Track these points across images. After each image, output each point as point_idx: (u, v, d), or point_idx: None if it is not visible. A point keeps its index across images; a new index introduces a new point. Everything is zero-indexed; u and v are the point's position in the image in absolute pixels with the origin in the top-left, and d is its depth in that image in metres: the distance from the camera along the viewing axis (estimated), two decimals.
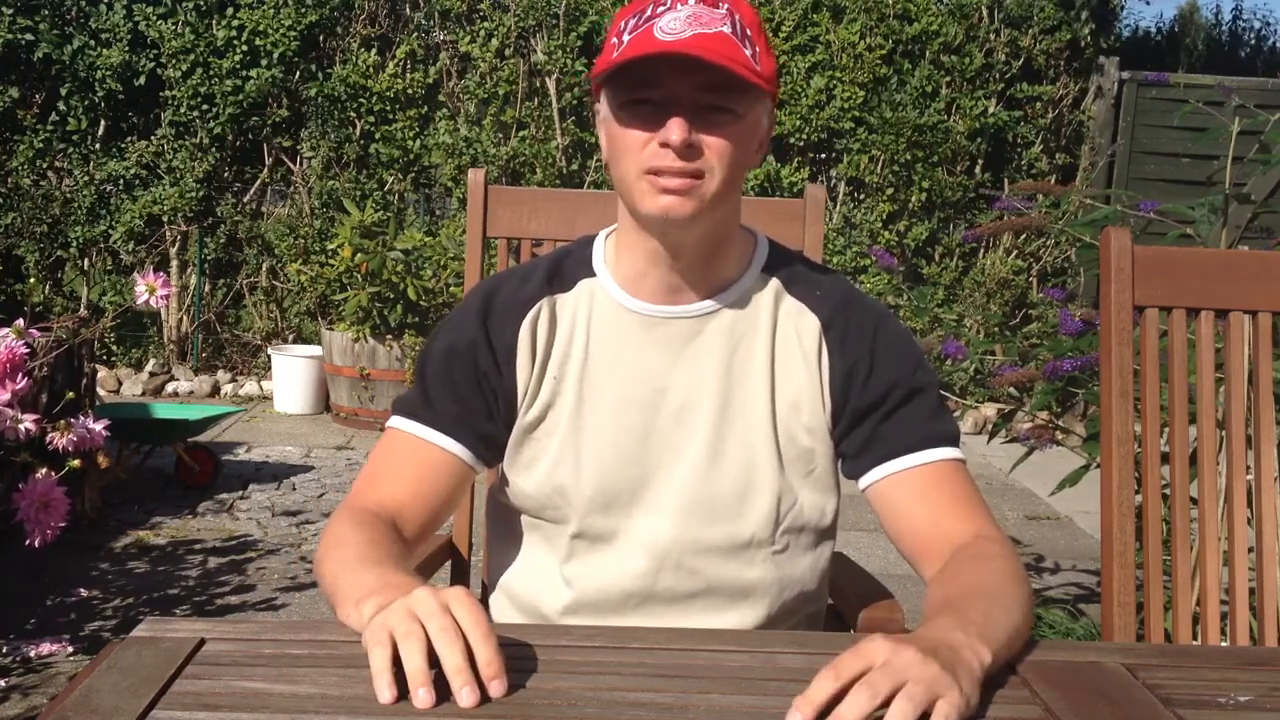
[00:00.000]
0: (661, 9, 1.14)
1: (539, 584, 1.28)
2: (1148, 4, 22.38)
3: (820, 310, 1.26)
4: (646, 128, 1.13)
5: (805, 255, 1.48)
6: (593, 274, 1.28)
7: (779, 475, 1.23)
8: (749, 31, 1.15)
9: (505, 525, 1.34)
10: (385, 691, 0.84)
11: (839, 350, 1.24)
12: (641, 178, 1.15)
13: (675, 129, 1.11)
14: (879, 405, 1.23)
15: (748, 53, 1.13)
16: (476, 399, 1.25)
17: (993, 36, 6.86)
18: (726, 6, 1.15)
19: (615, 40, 1.17)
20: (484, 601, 1.67)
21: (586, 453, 1.23)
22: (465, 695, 0.84)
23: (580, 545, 1.25)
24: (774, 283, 1.27)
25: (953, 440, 1.24)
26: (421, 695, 0.83)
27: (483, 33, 6.64)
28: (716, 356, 1.24)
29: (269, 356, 6.47)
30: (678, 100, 1.12)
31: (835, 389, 1.24)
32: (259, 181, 6.74)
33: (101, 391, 6.18)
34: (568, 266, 1.29)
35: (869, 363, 1.24)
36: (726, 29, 1.13)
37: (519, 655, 0.93)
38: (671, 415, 1.23)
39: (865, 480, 1.24)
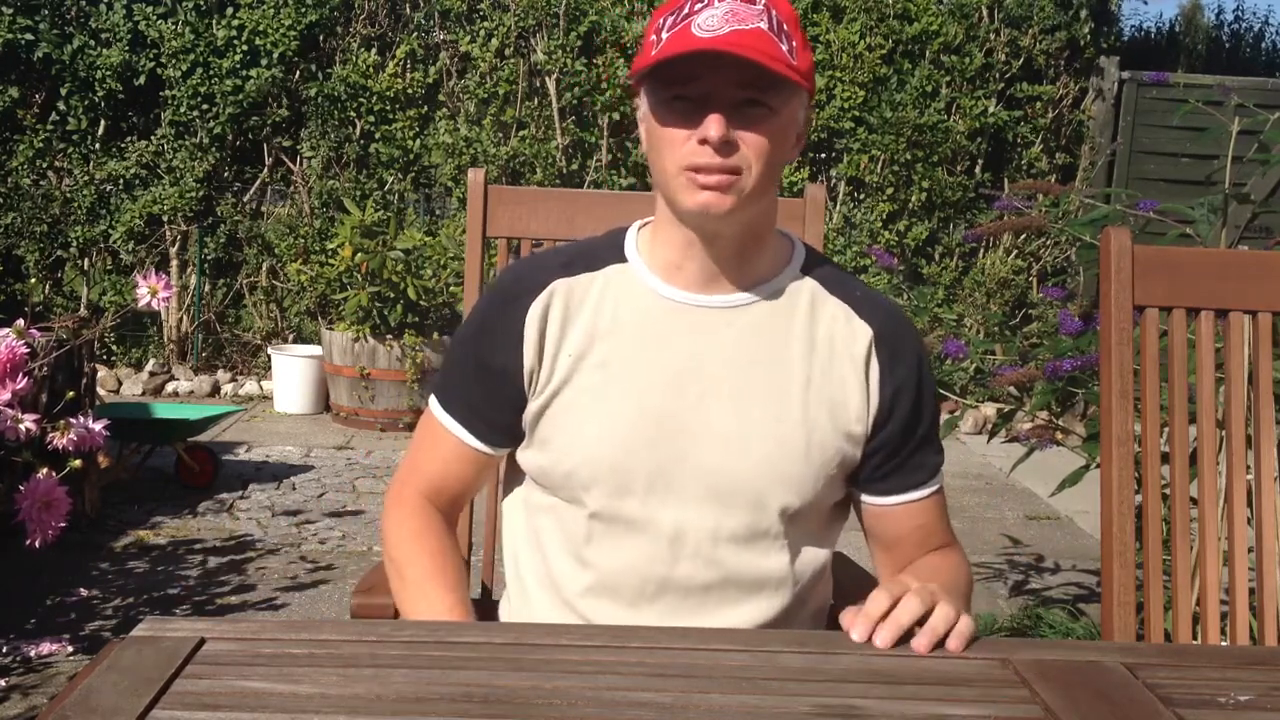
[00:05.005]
0: (699, 6, 1.16)
1: (559, 564, 1.28)
2: (1145, 4, 22.35)
3: (871, 320, 1.28)
4: (685, 125, 1.16)
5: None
6: (624, 260, 1.30)
7: (803, 467, 1.24)
8: (785, 27, 1.17)
9: (526, 507, 1.34)
10: None
11: (889, 367, 1.27)
12: (680, 174, 1.17)
13: (713, 126, 1.13)
14: (913, 435, 1.28)
15: (784, 48, 1.15)
16: (484, 387, 1.29)
17: (993, 36, 6.86)
18: (763, 2, 1.17)
19: (654, 38, 1.19)
20: (490, 599, 1.67)
21: (605, 433, 1.24)
22: None
23: (598, 527, 1.25)
24: (812, 282, 1.29)
25: (942, 464, 1.34)
26: None
27: (483, 33, 6.64)
28: (748, 348, 1.25)
29: (269, 356, 6.47)
30: (715, 97, 1.14)
31: (884, 405, 1.27)
32: (259, 181, 6.74)
33: (101, 391, 6.18)
34: (594, 252, 1.31)
35: (915, 390, 1.28)
36: (763, 25, 1.15)
37: (519, 654, 0.93)
38: (695, 401, 1.24)
39: (878, 501, 1.31)
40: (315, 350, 6.22)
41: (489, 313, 1.30)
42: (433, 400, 1.34)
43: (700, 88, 1.15)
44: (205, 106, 6.49)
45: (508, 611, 1.36)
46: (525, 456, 1.30)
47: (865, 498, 1.31)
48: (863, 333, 1.27)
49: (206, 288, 6.78)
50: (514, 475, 1.36)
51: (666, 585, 1.24)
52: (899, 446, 1.28)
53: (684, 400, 1.24)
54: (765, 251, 1.27)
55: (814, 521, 1.29)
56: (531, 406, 1.27)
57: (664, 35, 1.17)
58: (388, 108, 6.62)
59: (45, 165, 6.54)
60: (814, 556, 1.29)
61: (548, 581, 1.29)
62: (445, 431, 1.32)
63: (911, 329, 1.32)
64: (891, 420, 1.27)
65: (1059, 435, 2.75)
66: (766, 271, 1.27)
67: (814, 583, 1.30)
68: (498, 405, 1.28)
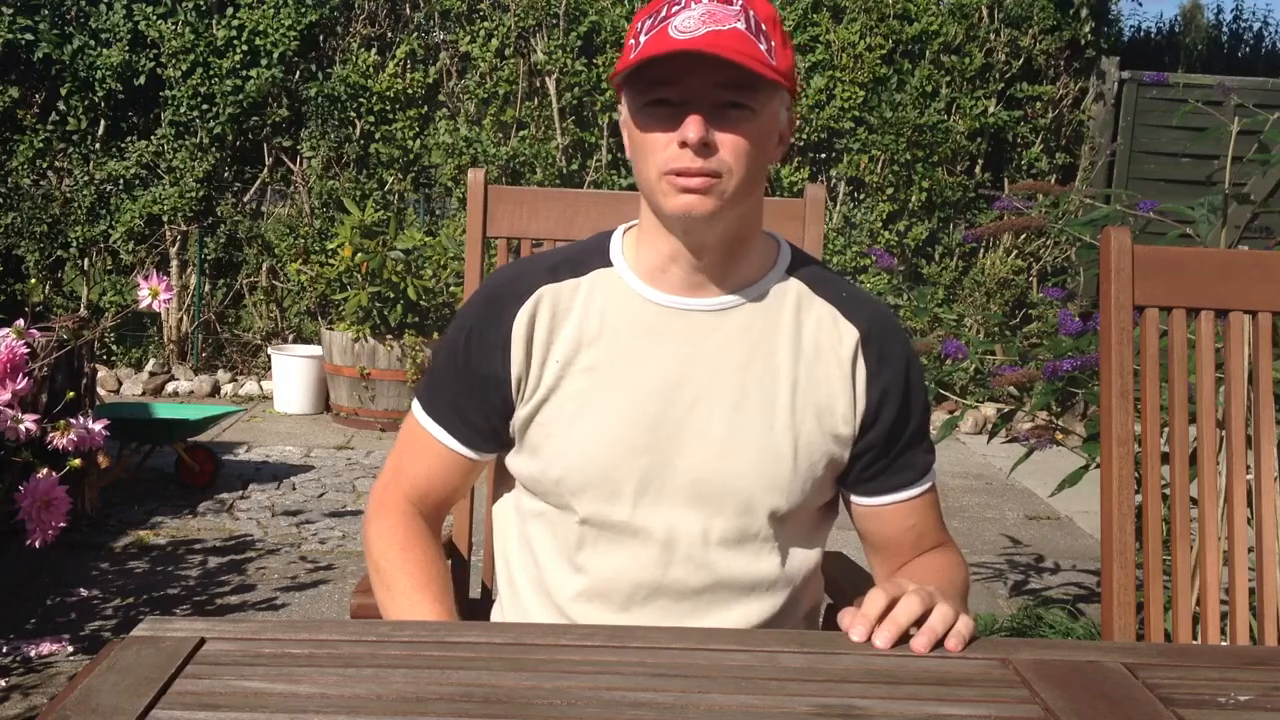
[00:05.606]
0: (676, 8, 1.16)
1: (552, 569, 1.28)
2: (1140, 5, 22.32)
3: (857, 321, 1.27)
4: (664, 128, 1.15)
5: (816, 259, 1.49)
6: (609, 264, 1.28)
7: (791, 470, 1.24)
8: (764, 26, 1.16)
9: (517, 511, 1.34)
10: None
11: (877, 368, 1.26)
12: (662, 178, 1.16)
13: (692, 128, 1.12)
14: (901, 435, 1.28)
15: (763, 47, 1.15)
16: (470, 393, 1.28)
17: (993, 36, 6.86)
18: (740, 3, 1.16)
19: (633, 42, 1.18)
20: (490, 599, 1.67)
21: (593, 439, 1.24)
22: None
23: (589, 532, 1.25)
24: (798, 284, 1.28)
25: (933, 463, 1.34)
26: None
27: (483, 33, 6.64)
28: (736, 351, 1.25)
29: (269, 356, 6.47)
30: (694, 99, 1.14)
31: (870, 406, 1.26)
32: (259, 181, 6.73)
33: (101, 391, 6.18)
34: (580, 257, 1.30)
35: (903, 391, 1.27)
36: (740, 25, 1.14)
37: (519, 654, 0.93)
38: (685, 406, 1.23)
39: (868, 501, 1.30)
40: (315, 350, 6.22)
41: (475, 319, 1.29)
42: (416, 404, 1.33)
43: (679, 90, 1.14)
44: (205, 106, 6.49)
45: (499, 615, 1.36)
46: (515, 463, 1.30)
47: (855, 498, 1.31)
48: (849, 334, 1.26)
49: (206, 288, 6.78)
50: (504, 480, 1.36)
51: (659, 590, 1.24)
52: (887, 447, 1.27)
53: (671, 405, 1.23)
54: (751, 254, 1.26)
55: (803, 523, 1.28)
56: (520, 413, 1.27)
57: (642, 39, 1.16)
58: (388, 108, 6.62)
59: (45, 165, 6.54)
60: (805, 557, 1.29)
61: (539, 586, 1.29)
62: (429, 436, 1.31)
63: (899, 329, 1.31)
64: (879, 421, 1.26)
65: (1059, 435, 2.75)
66: (753, 274, 1.27)
67: (806, 583, 1.30)
68: (484, 411, 1.28)
